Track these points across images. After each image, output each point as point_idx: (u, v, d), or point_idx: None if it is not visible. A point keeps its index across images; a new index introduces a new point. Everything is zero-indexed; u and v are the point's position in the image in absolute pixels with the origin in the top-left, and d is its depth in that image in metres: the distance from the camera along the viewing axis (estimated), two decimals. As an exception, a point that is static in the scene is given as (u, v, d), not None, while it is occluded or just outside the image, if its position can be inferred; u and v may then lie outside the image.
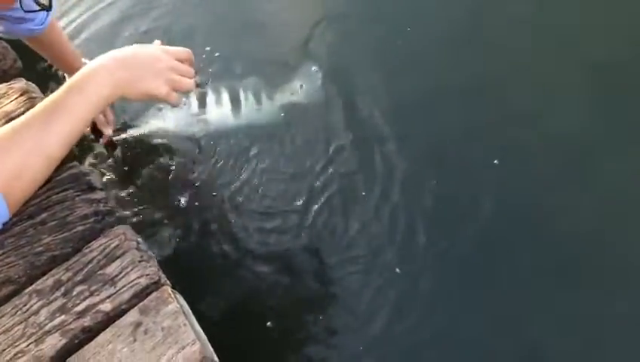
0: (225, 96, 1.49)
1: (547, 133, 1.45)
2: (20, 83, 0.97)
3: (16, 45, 1.11)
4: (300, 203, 1.33)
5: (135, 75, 0.79)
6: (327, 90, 1.52)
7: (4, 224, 0.73)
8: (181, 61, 0.86)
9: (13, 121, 0.73)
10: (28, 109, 0.92)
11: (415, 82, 1.55)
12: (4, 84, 0.97)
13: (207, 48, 1.63)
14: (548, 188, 1.37)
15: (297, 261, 1.26)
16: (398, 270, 1.26)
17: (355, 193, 1.35)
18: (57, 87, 0.86)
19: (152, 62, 0.81)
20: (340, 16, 1.71)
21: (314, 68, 1.57)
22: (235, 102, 1.47)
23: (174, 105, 0.87)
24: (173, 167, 1.38)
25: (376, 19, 1.70)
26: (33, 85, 0.98)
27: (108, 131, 1.37)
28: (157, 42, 0.88)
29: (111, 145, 1.36)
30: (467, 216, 1.34)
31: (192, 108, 1.46)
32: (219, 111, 1.46)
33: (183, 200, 1.31)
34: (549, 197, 1.36)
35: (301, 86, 1.54)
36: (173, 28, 1.72)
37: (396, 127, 1.46)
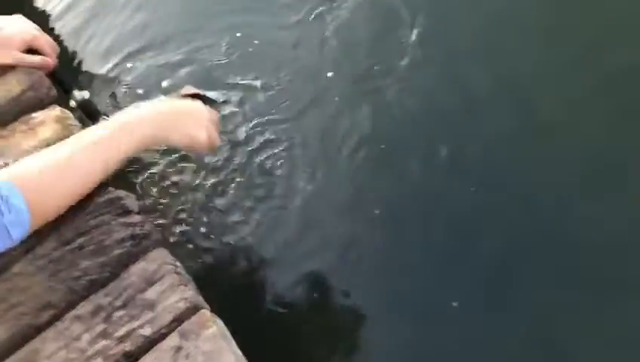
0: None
1: (572, 143, 1.43)
2: (56, 110, 0.99)
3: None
4: (337, 220, 1.31)
5: (182, 121, 0.90)
6: (348, 97, 1.52)
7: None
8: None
9: (60, 146, 0.81)
10: (65, 136, 0.94)
11: (433, 93, 1.54)
12: (41, 112, 0.99)
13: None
14: (574, 197, 1.35)
15: (338, 279, 1.25)
16: (428, 279, 1.24)
17: (390, 208, 1.33)
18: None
19: (198, 114, 0.94)
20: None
21: (329, 74, 1.57)
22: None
23: (210, 153, 0.98)
24: (200, 182, 1.38)
25: (390, 20, 1.70)
26: (68, 112, 1.00)
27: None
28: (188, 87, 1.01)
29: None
30: (493, 224, 1.32)
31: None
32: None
33: (214, 216, 1.31)
34: (576, 206, 1.34)
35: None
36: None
37: (417, 138, 1.45)
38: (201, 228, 1.30)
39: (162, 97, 0.96)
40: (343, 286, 1.24)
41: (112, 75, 1.68)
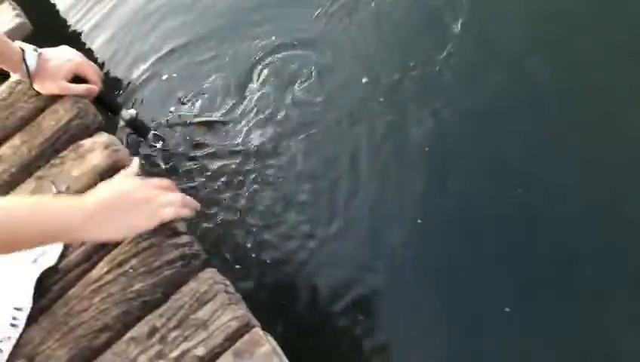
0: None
1: (621, 142, 1.38)
2: (103, 137, 1.02)
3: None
4: (380, 230, 1.30)
5: (113, 216, 0.80)
6: (385, 104, 1.50)
7: None
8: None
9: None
10: (113, 162, 0.97)
11: (477, 93, 1.51)
12: (89, 139, 1.02)
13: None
14: (625, 197, 1.30)
15: (386, 291, 1.23)
16: (478, 286, 1.21)
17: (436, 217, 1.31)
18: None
19: (132, 198, 0.82)
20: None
21: (365, 79, 1.56)
22: None
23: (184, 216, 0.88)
24: (241, 197, 1.38)
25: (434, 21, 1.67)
26: (114, 138, 1.03)
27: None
28: (135, 163, 0.93)
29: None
30: (542, 225, 1.28)
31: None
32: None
33: (258, 231, 1.32)
34: (628, 206, 1.29)
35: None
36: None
37: (459, 142, 1.42)
38: (248, 244, 1.31)
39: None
40: (390, 297, 1.22)
41: (152, 86, 1.71)
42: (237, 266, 1.24)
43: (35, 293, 0.87)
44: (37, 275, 0.88)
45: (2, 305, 0.86)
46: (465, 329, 1.19)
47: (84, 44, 1.99)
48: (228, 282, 0.83)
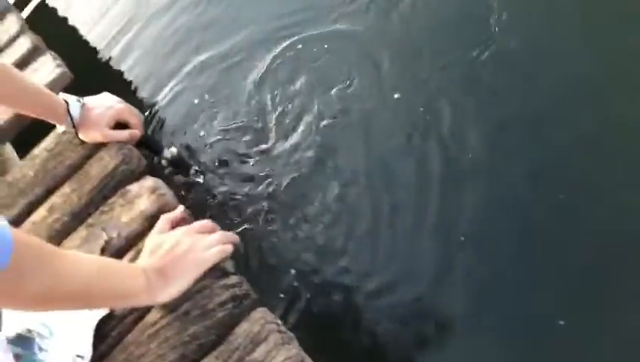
0: None
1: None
2: (149, 181, 1.05)
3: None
4: (424, 246, 1.28)
5: (175, 278, 0.85)
6: (420, 117, 1.49)
7: None
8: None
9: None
10: (160, 206, 1.00)
11: (512, 92, 1.48)
12: (136, 184, 1.05)
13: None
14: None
15: (434, 310, 1.22)
16: (528, 298, 1.19)
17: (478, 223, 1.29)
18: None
19: (185, 260, 0.86)
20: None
21: (397, 95, 1.55)
22: None
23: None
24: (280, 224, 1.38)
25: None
26: (160, 181, 1.06)
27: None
28: (179, 210, 0.96)
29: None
30: (589, 231, 1.25)
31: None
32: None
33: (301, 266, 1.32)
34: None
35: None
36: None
37: (498, 151, 1.40)
38: (292, 270, 1.31)
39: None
40: (440, 316, 1.21)
41: (188, 113, 1.73)
42: (285, 301, 1.24)
43: (94, 340, 0.90)
44: (95, 322, 0.91)
45: (65, 354, 0.89)
46: (518, 343, 1.17)
47: (124, 80, 2.05)
48: (279, 321, 0.84)
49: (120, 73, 2.08)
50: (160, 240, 0.89)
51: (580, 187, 1.31)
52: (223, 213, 1.40)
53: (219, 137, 1.62)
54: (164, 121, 1.77)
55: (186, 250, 0.86)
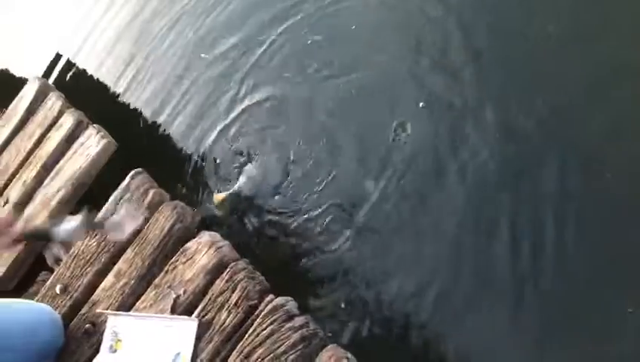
0: None
1: None
2: (206, 236, 1.10)
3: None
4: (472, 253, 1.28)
5: None
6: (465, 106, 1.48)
7: None
8: None
9: None
10: (220, 259, 1.05)
11: (553, 81, 1.46)
12: (194, 241, 1.10)
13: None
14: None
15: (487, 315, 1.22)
16: (595, 289, 1.18)
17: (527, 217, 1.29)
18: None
19: None
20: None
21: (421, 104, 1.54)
22: None
23: None
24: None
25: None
26: (216, 235, 1.11)
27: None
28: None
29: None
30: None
31: None
32: None
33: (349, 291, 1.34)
34: None
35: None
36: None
37: (546, 133, 1.38)
38: (341, 303, 1.33)
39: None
40: (500, 320, 1.21)
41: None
42: (351, 333, 1.27)
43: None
44: None
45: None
46: (588, 332, 1.16)
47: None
48: (349, 355, 0.87)
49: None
50: None
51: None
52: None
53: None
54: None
55: None
